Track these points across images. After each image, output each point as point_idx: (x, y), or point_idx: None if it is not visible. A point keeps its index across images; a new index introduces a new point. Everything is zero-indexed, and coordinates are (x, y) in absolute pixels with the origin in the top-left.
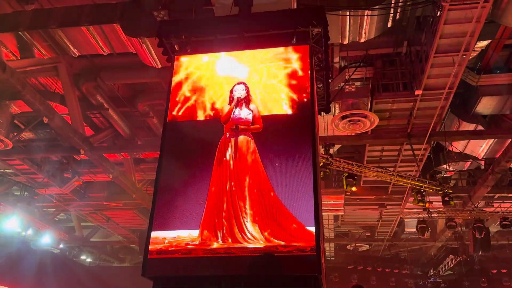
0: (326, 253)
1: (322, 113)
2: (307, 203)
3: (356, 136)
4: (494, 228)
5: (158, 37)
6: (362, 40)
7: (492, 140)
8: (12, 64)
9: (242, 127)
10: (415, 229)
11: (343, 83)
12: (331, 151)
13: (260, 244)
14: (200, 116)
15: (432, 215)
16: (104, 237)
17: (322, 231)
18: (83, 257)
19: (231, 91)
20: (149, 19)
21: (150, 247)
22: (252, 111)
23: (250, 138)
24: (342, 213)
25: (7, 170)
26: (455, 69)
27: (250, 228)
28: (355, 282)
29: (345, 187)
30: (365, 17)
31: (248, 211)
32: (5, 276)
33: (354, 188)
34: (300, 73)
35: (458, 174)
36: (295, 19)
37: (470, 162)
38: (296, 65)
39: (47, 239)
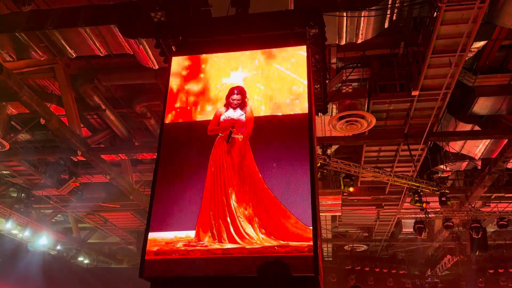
0: (324, 254)
1: (319, 113)
2: (304, 204)
3: (353, 136)
4: (491, 228)
5: (155, 38)
6: (359, 41)
7: (488, 140)
8: (8, 65)
9: (237, 135)
10: (412, 230)
11: (340, 84)
12: (329, 151)
13: (257, 244)
14: (197, 117)
15: (429, 216)
16: (102, 239)
17: (320, 232)
18: (80, 258)
19: (227, 96)
20: (146, 20)
21: (148, 248)
22: (245, 112)
23: (244, 140)
24: (339, 214)
25: (4, 172)
26: (452, 70)
27: (247, 228)
28: (353, 283)
29: (342, 187)
30: (362, 18)
31: (243, 211)
32: (2, 277)
33: (351, 189)
34: (297, 74)
35: (455, 175)
36: (292, 20)
37: (467, 162)
38: (293, 66)
39: (44, 241)
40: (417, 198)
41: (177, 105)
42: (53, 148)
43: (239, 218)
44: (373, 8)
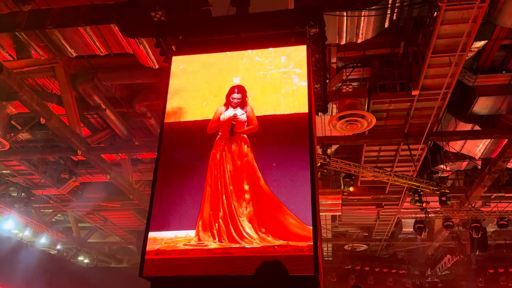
0: (324, 253)
1: (319, 113)
2: (304, 203)
3: (353, 136)
4: (491, 228)
5: (155, 38)
6: (359, 41)
7: (488, 140)
8: (9, 64)
9: (238, 131)
10: (412, 229)
11: (340, 84)
12: (329, 151)
13: (257, 243)
14: (197, 117)
15: (429, 215)
16: (102, 238)
17: (320, 231)
18: (80, 258)
19: (227, 95)
20: (146, 20)
21: (148, 247)
22: (246, 111)
23: (245, 138)
24: (339, 213)
25: (4, 171)
26: (452, 69)
27: (246, 228)
28: (353, 282)
29: (342, 187)
30: (362, 17)
31: (243, 211)
32: (2, 277)
33: (351, 188)
34: (297, 73)
35: (455, 174)
36: (292, 19)
37: (467, 162)
38: (293, 65)
39: (44, 240)
40: (417, 198)
41: (177, 104)
42: (53, 148)
43: (239, 217)
44: (373, 7)
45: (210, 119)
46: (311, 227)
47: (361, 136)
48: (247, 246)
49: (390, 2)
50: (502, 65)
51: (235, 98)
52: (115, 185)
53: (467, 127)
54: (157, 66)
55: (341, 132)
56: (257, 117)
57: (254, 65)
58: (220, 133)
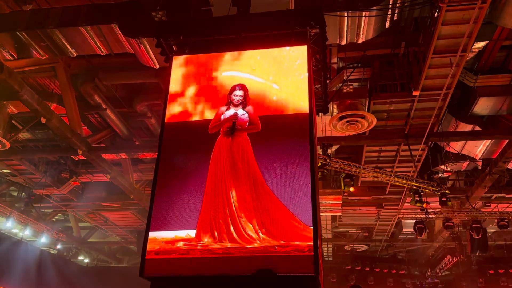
0: (324, 254)
1: (320, 113)
2: (304, 204)
3: (354, 136)
4: (491, 229)
5: (156, 38)
6: (360, 41)
7: (489, 140)
8: (9, 64)
9: (239, 127)
10: (412, 230)
11: (341, 84)
12: (329, 151)
13: (257, 244)
14: (198, 116)
15: (430, 216)
16: (102, 238)
17: (320, 232)
18: (80, 257)
19: (229, 93)
20: (147, 20)
21: (148, 247)
22: (247, 111)
23: (246, 138)
24: (340, 214)
25: (5, 171)
26: (453, 70)
27: (247, 228)
28: (353, 283)
29: (343, 187)
30: (363, 18)
31: (244, 211)
32: (2, 276)
33: (352, 189)
34: (298, 73)
35: (455, 175)
36: (293, 19)
37: (467, 162)
38: (294, 65)
39: (44, 240)
40: (418, 198)
41: (178, 104)
42: (54, 147)
43: (239, 217)
44: (374, 8)
45: (211, 119)
46: (312, 227)
47: (362, 136)
48: (248, 246)
49: (391, 3)
50: (503, 66)
51: (237, 96)
52: (115, 185)
53: (468, 127)
54: (157, 66)
55: (341, 133)
56: (258, 117)
57: (255, 65)
58: (221, 133)
